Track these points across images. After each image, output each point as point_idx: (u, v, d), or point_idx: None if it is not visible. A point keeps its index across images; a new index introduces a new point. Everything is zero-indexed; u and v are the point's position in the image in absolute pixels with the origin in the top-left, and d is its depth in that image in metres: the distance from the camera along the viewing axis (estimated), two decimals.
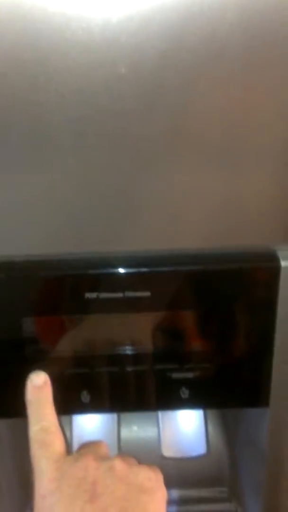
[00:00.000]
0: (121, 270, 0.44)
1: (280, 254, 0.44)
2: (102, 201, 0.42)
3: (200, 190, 0.41)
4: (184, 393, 0.49)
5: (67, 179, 0.41)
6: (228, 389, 0.50)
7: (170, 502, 0.66)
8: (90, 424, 0.59)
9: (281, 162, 0.41)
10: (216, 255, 0.44)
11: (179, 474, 0.66)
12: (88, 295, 0.45)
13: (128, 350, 0.47)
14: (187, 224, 0.43)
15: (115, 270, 0.44)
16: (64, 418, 0.59)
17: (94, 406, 0.50)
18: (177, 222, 0.43)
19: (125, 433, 0.61)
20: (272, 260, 0.44)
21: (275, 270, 0.44)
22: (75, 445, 0.58)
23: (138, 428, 0.64)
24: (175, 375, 0.48)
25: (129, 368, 0.48)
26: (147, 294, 0.45)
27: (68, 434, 0.59)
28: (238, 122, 0.39)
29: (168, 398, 0.49)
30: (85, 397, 0.49)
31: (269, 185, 0.42)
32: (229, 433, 0.67)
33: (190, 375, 0.48)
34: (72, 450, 0.58)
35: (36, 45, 0.36)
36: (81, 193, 0.41)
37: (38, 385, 0.44)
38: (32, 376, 0.44)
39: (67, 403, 0.50)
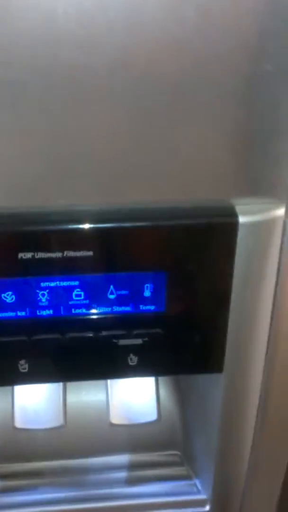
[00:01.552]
0: (60, 227, 0.39)
1: (238, 209, 0.40)
2: (36, 150, 0.36)
3: (151, 138, 0.36)
4: (132, 360, 0.45)
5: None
6: (180, 356, 0.46)
7: (121, 467, 0.64)
8: (33, 391, 0.54)
9: (239, 105, 0.36)
10: (166, 209, 0.39)
11: (130, 439, 0.63)
12: (23, 255, 0.39)
13: (70, 314, 0.43)
14: (136, 176, 0.38)
15: (53, 227, 0.39)
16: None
17: (34, 377, 0.45)
18: (124, 173, 0.37)
19: (71, 399, 0.58)
20: (229, 215, 0.40)
21: (233, 226, 0.39)
22: (17, 414, 0.54)
23: (85, 394, 0.60)
24: (122, 342, 0.44)
25: (71, 335, 0.44)
26: (89, 253, 0.40)
27: (9, 401, 0.55)
28: (193, 64, 0.34)
29: (115, 367, 0.46)
30: (24, 367, 0.44)
31: (226, 134, 0.37)
32: (182, 396, 0.64)
33: (138, 341, 0.44)
34: (14, 420, 0.54)
35: None
36: (13, 140, 0.35)
37: None
38: None
39: (4, 374, 0.45)
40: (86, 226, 0.39)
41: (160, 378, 0.59)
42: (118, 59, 0.33)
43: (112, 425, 0.55)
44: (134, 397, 0.55)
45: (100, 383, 0.59)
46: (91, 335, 0.44)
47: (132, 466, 0.63)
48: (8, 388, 0.55)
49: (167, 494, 0.59)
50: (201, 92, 0.35)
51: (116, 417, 0.55)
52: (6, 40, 0.31)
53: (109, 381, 0.56)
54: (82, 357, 0.45)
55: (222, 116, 0.36)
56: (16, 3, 0.31)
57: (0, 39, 0.31)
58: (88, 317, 0.43)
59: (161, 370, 0.48)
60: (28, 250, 0.39)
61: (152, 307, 0.43)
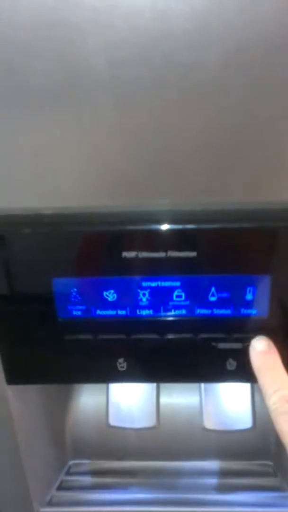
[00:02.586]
0: (164, 227, 0.39)
1: None
2: (140, 147, 0.36)
3: (261, 136, 0.35)
4: (231, 365, 0.44)
5: (101, 122, 0.35)
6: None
7: (211, 474, 0.63)
8: (127, 391, 0.55)
9: None
10: (272, 211, 0.38)
11: (222, 445, 0.62)
12: (126, 254, 0.40)
13: (170, 315, 0.43)
14: (239, 174, 0.37)
15: (157, 227, 0.39)
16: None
17: (131, 375, 0.45)
18: (228, 172, 0.36)
19: (165, 401, 0.57)
20: None
21: None
22: (111, 412, 0.55)
23: (178, 396, 0.60)
24: (221, 345, 0.43)
25: (170, 336, 0.43)
26: (192, 254, 0.39)
27: (103, 400, 0.56)
28: None
29: (213, 370, 0.45)
30: (122, 365, 0.45)
31: None
32: None
33: (238, 345, 0.43)
34: (108, 417, 0.55)
35: None
36: (116, 138, 0.36)
37: (263, 351, 0.41)
38: (253, 342, 0.42)
39: (102, 371, 0.46)
40: (191, 226, 0.38)
41: (256, 385, 0.57)
42: (231, 57, 0.32)
43: (205, 430, 0.54)
44: (229, 403, 0.54)
45: (193, 386, 0.58)
46: (190, 336, 0.43)
47: (223, 473, 0.62)
48: (104, 385, 0.56)
49: (258, 505, 0.57)
50: None
51: (209, 422, 0.54)
52: (120, 38, 0.32)
53: (203, 385, 0.55)
54: (179, 358, 0.44)
55: None
56: (131, 2, 0.31)
57: (114, 37, 0.32)
58: (187, 318, 0.43)
59: None
60: (132, 249, 0.39)
61: (254, 311, 0.42)
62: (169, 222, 0.38)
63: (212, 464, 0.62)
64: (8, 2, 0.31)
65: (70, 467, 0.64)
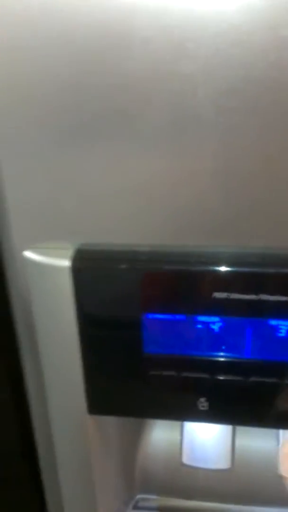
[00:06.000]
0: (257, 270, 0.39)
1: None
2: (239, 188, 0.36)
3: None
4: None
5: (202, 166, 0.36)
6: None
7: None
8: (202, 430, 0.54)
9: None
10: None
11: None
12: (217, 294, 0.40)
13: (257, 358, 0.42)
14: None
15: (250, 269, 0.39)
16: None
17: (211, 416, 0.45)
18: None
19: (241, 444, 0.56)
20: None
21: None
22: (185, 450, 0.54)
23: (254, 439, 0.59)
24: None
25: (255, 379, 0.43)
26: (284, 298, 0.39)
27: (175, 436, 0.56)
28: None
29: None
30: (203, 404, 0.44)
31: None
32: None
33: None
34: (182, 455, 0.54)
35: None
36: (214, 177, 0.36)
37: None
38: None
39: (183, 409, 0.46)
40: (285, 270, 0.38)
41: None
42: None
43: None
44: None
45: (271, 430, 0.56)
46: (275, 381, 0.42)
47: None
48: (177, 422, 0.56)
49: None
50: None
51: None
52: (230, 88, 0.33)
53: (281, 431, 0.53)
54: (263, 403, 0.44)
55: None
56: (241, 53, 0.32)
57: (225, 87, 0.33)
58: (275, 362, 0.42)
59: None
60: (223, 290, 0.39)
61: None
62: (263, 265, 0.38)
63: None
64: (121, 53, 0.33)
65: (137, 501, 0.64)
